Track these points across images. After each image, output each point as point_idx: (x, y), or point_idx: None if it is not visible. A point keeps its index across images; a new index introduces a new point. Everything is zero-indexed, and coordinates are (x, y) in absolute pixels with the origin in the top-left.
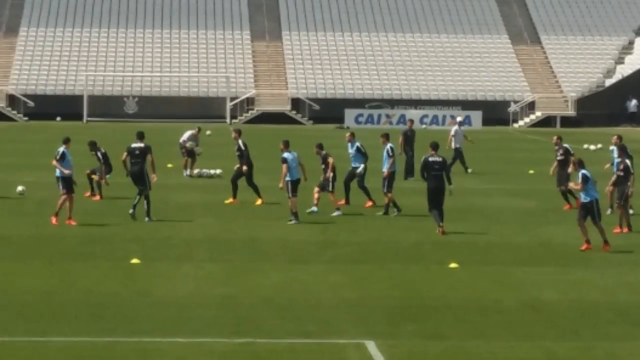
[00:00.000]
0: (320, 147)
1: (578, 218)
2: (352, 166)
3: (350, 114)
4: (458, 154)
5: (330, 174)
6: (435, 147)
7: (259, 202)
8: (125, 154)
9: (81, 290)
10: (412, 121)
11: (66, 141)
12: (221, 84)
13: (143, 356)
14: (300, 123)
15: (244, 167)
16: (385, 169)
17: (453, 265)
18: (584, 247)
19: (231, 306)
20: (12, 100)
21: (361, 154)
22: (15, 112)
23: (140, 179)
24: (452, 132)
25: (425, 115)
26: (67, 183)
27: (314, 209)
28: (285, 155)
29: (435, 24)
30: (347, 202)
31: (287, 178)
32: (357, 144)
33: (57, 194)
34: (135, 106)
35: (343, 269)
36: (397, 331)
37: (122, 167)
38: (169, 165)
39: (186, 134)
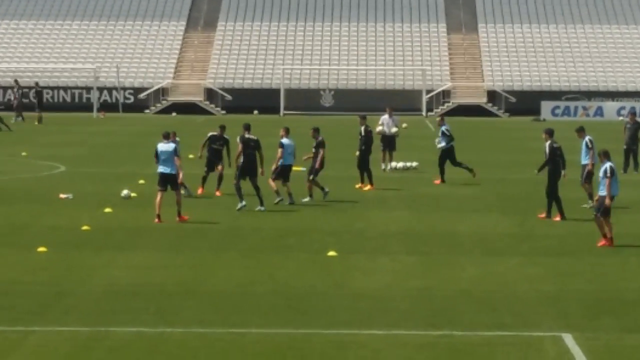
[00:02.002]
0: (316, 131)
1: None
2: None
3: (546, 106)
4: None
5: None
6: None
7: (367, 187)
8: (240, 145)
9: (278, 282)
10: (633, 114)
11: (166, 136)
12: (417, 77)
13: (340, 348)
14: (496, 115)
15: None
16: (585, 162)
17: None
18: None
19: (427, 298)
20: (210, 94)
21: None
22: (212, 105)
23: (254, 169)
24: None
25: (623, 107)
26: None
27: (308, 199)
28: (284, 141)
29: (632, 15)
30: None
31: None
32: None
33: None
34: (331, 99)
35: (540, 262)
36: (595, 324)
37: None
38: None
39: (381, 119)
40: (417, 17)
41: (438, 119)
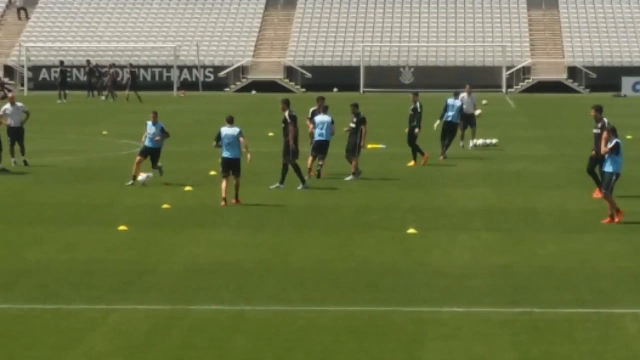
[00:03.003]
0: (356, 106)
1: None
2: None
3: (627, 82)
4: None
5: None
6: None
7: (411, 164)
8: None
9: (358, 260)
10: None
11: (230, 120)
12: (497, 53)
13: (420, 325)
14: (576, 91)
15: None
16: None
17: None
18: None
19: (508, 275)
20: (289, 71)
21: None
22: (292, 83)
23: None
24: None
25: None
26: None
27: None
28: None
29: None
30: None
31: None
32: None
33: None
34: (411, 76)
35: (620, 238)
36: None
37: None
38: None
39: (460, 97)
40: None
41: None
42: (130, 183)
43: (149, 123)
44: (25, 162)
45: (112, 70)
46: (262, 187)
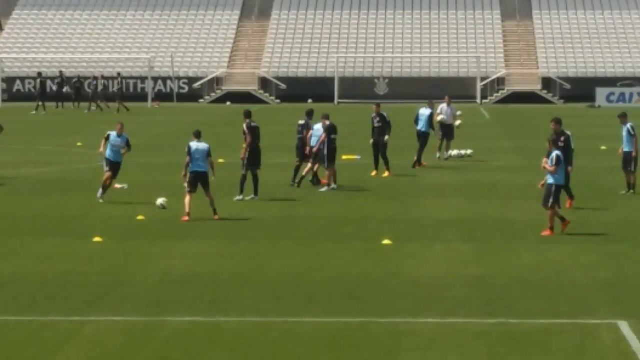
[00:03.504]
0: (326, 117)
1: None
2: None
3: (601, 93)
4: None
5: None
6: None
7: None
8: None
9: (334, 271)
10: None
11: (197, 134)
12: (471, 64)
13: (396, 336)
14: (550, 102)
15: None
16: (627, 149)
17: None
18: None
19: (483, 286)
20: (264, 83)
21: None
22: (267, 94)
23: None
24: None
25: None
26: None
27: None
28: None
29: None
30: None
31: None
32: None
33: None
34: (385, 87)
35: (595, 249)
36: None
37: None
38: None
39: (439, 107)
40: (472, 3)
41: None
42: (100, 197)
43: (113, 134)
44: None
45: (102, 81)
46: (231, 199)
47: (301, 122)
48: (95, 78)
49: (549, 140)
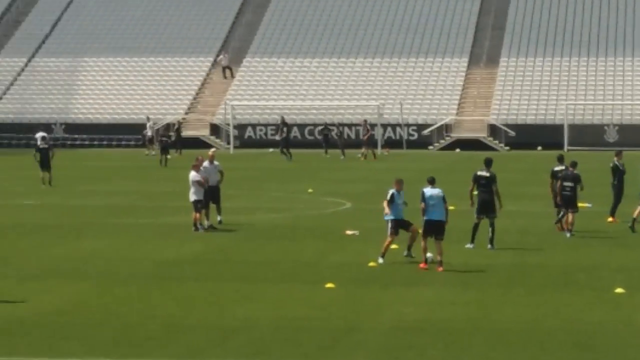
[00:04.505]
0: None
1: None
2: None
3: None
4: None
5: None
6: None
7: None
8: (473, 184)
9: (565, 319)
10: None
11: (432, 181)
12: None
13: None
14: None
15: None
16: None
17: None
18: None
19: None
20: (493, 130)
21: None
22: (496, 141)
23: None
24: None
25: None
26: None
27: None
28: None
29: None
30: None
31: None
32: None
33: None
34: (615, 134)
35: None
36: None
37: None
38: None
39: None
40: None
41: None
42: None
43: (395, 193)
44: (220, 222)
45: (340, 128)
46: (463, 246)
47: (556, 168)
48: (339, 125)
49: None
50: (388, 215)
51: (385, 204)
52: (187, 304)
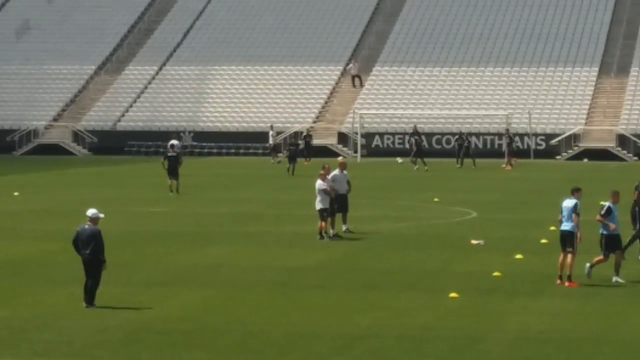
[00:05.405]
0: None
1: None
2: None
3: None
4: None
5: None
6: None
7: None
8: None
9: None
10: None
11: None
12: None
13: None
14: None
15: None
16: None
17: None
18: None
19: None
20: (622, 140)
21: None
22: (625, 152)
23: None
24: None
25: None
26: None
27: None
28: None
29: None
30: None
31: None
32: None
33: None
34: None
35: None
36: None
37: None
38: None
39: None
40: None
41: None
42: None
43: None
44: (346, 231)
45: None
46: (588, 257)
47: None
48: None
49: None
50: (615, 230)
51: (599, 217)
52: (311, 312)
